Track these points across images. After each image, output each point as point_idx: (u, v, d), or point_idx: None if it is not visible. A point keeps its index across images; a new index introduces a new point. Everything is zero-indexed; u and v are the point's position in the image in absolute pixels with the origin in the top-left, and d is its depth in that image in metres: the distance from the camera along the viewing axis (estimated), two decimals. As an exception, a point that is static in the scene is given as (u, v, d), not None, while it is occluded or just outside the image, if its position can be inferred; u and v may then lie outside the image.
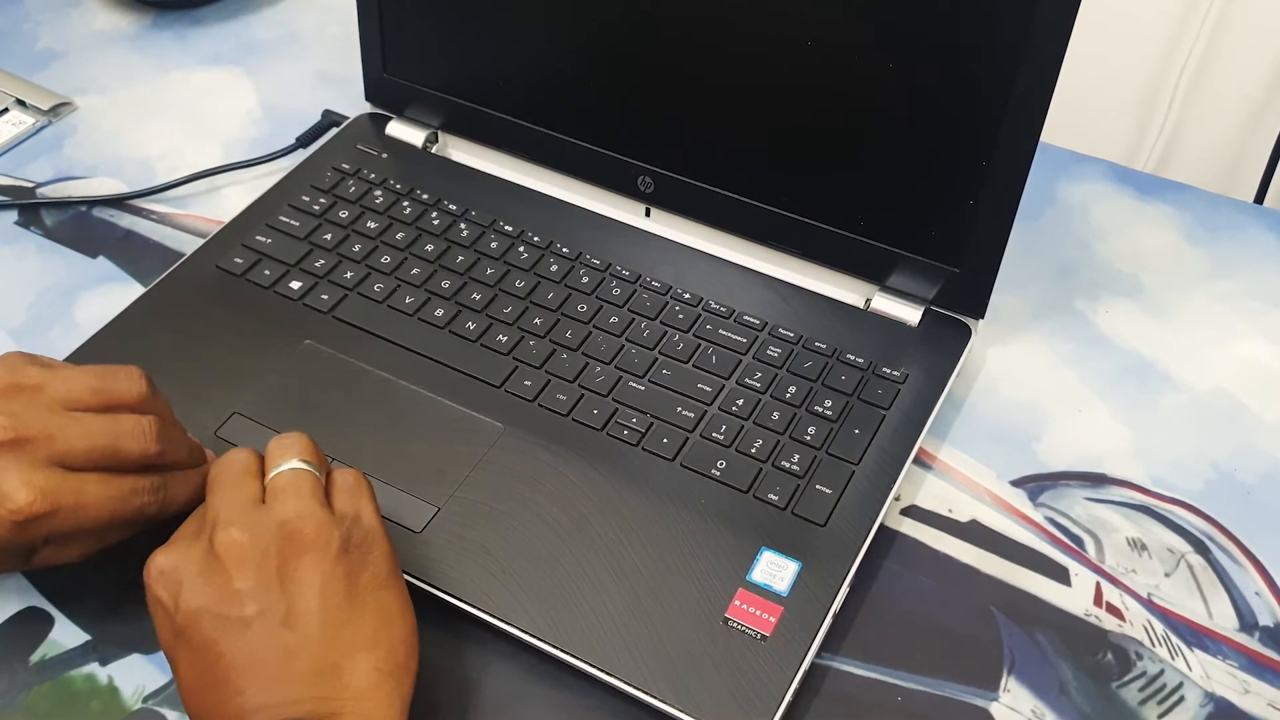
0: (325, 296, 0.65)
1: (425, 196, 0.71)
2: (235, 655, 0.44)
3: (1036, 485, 0.61)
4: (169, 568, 0.46)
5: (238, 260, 0.67)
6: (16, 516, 0.46)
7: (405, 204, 0.71)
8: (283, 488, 0.48)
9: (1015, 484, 0.61)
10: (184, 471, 0.52)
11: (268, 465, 0.49)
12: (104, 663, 0.53)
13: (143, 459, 0.49)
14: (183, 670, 0.45)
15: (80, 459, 0.48)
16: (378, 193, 0.71)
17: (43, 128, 0.80)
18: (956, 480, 0.61)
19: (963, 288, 0.63)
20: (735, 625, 0.51)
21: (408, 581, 0.53)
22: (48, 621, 0.54)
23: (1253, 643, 0.55)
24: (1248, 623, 0.55)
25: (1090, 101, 1.02)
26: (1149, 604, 0.56)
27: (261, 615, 0.45)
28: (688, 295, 0.65)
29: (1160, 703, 0.52)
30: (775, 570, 0.53)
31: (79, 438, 0.48)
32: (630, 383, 0.61)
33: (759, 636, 0.51)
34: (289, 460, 0.49)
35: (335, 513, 0.48)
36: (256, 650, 0.44)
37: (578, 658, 0.50)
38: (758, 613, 0.52)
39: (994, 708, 0.52)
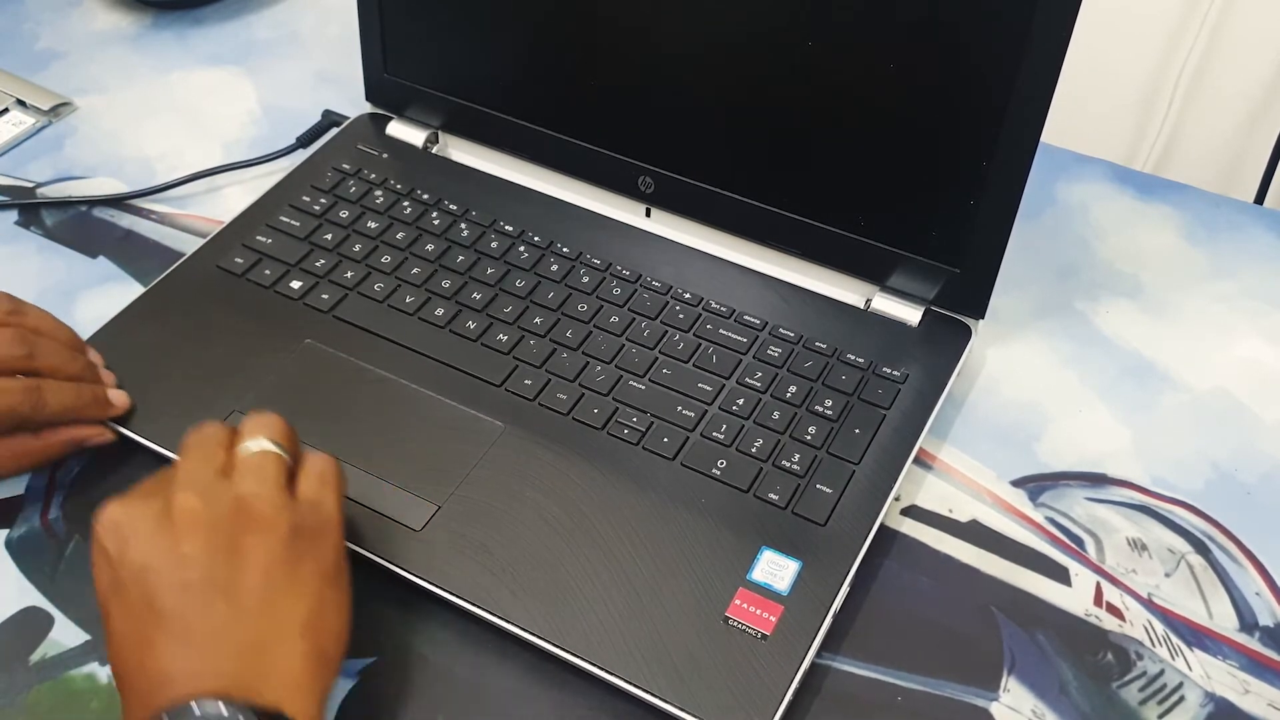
0: (326, 296, 0.65)
1: (425, 196, 0.71)
2: (168, 617, 0.44)
3: (1037, 485, 0.61)
4: (121, 519, 0.46)
5: (238, 260, 0.67)
6: None
7: (405, 204, 0.71)
8: (247, 465, 0.48)
9: (1015, 484, 0.61)
10: (61, 381, 0.55)
11: (239, 440, 0.50)
12: (104, 662, 0.52)
13: (7, 362, 0.53)
14: (115, 624, 0.45)
15: None
16: (378, 193, 0.71)
17: (43, 128, 0.80)
18: (957, 480, 0.61)
19: (963, 288, 0.63)
20: (735, 624, 0.51)
21: (407, 579, 0.53)
22: (48, 621, 0.54)
23: (1253, 643, 0.55)
24: (1248, 623, 0.55)
25: (1090, 101, 1.02)
26: (1149, 604, 0.56)
27: (201, 582, 0.45)
28: (688, 295, 0.65)
29: (1160, 703, 0.52)
30: (776, 569, 0.53)
31: None
32: (630, 382, 0.61)
33: (759, 636, 0.51)
34: (259, 439, 0.49)
35: (297, 496, 0.49)
36: (190, 616, 0.44)
37: (578, 656, 0.50)
38: (758, 612, 0.52)
39: (994, 708, 0.52)
